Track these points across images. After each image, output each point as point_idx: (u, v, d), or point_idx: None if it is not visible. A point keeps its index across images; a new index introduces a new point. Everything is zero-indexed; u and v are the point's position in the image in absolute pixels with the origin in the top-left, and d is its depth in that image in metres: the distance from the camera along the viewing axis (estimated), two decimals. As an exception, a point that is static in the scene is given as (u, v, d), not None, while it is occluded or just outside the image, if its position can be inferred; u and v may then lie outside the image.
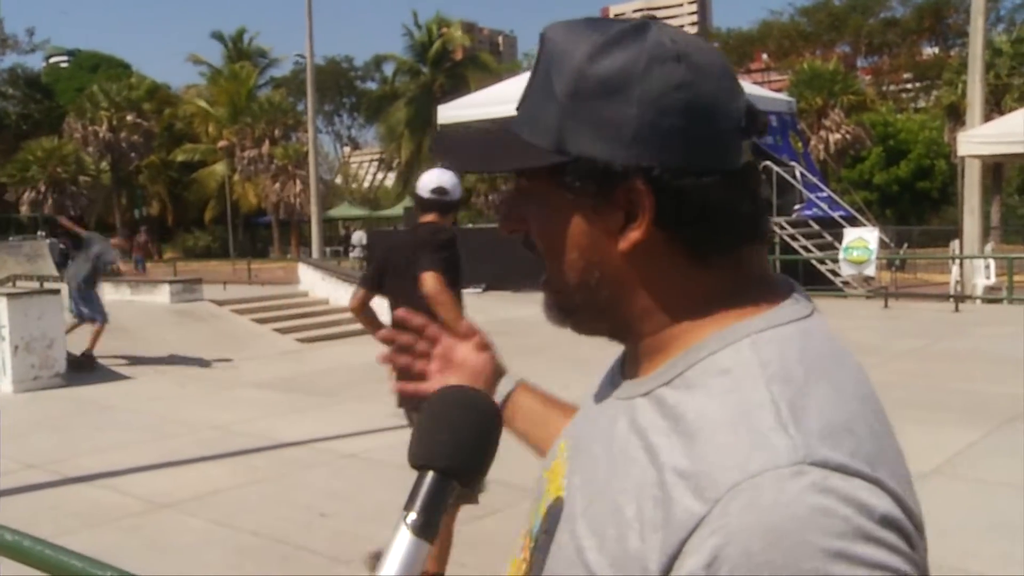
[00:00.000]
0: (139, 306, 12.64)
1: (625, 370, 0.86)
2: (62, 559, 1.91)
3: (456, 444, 0.80)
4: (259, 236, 51.83)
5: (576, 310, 0.82)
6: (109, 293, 13.95)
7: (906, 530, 0.64)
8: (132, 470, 5.90)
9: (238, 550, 4.46)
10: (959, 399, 7.06)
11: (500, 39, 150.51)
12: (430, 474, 0.79)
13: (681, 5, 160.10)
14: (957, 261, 16.67)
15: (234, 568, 4.23)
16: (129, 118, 41.94)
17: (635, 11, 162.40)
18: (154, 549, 4.51)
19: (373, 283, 3.94)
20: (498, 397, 1.19)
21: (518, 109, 0.79)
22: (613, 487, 0.73)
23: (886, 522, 0.63)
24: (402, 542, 0.76)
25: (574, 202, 0.77)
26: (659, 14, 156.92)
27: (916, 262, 22.07)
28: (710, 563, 0.62)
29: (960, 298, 14.82)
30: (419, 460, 0.80)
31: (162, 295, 12.78)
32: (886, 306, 14.17)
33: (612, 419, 0.81)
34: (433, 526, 0.77)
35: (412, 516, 0.77)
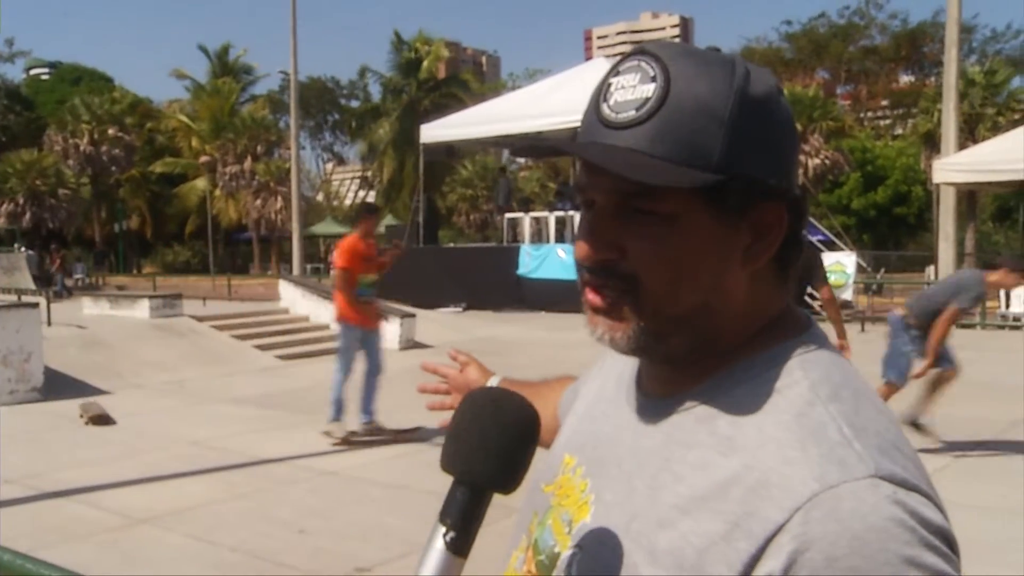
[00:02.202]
0: (118, 321, 12.57)
1: (646, 385, 0.88)
2: (42, 572, 1.93)
3: (490, 456, 0.77)
4: (239, 252, 51.59)
5: (669, 335, 0.80)
6: (88, 307, 13.91)
7: (952, 540, 0.70)
8: (109, 485, 5.87)
9: (216, 566, 4.46)
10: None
11: (484, 59, 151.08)
12: (464, 487, 0.77)
13: (664, 29, 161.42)
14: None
15: (212, 584, 4.23)
16: (111, 132, 41.72)
17: (618, 33, 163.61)
18: (131, 564, 4.50)
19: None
20: None
21: (626, 127, 0.77)
22: (661, 502, 0.76)
23: (940, 534, 0.69)
24: (436, 555, 0.76)
25: (713, 223, 0.78)
26: (641, 37, 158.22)
27: (893, 287, 22.30)
28: (788, 567, 0.67)
29: (935, 323, 14.97)
30: (454, 471, 0.78)
31: (142, 310, 12.72)
32: (863, 330, 14.29)
33: (640, 435, 0.83)
34: (468, 542, 0.77)
35: (451, 535, 0.76)
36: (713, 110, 0.76)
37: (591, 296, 0.82)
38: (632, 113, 0.77)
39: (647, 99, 0.77)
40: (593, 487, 0.84)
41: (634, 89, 0.78)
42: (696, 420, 0.79)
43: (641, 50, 0.80)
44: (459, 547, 0.76)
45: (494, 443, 0.77)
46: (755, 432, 0.74)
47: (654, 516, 0.75)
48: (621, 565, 0.76)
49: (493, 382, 1.37)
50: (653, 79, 0.77)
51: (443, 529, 0.76)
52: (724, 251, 0.79)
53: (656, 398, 0.85)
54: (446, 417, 1.47)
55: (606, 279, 0.80)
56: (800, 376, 0.77)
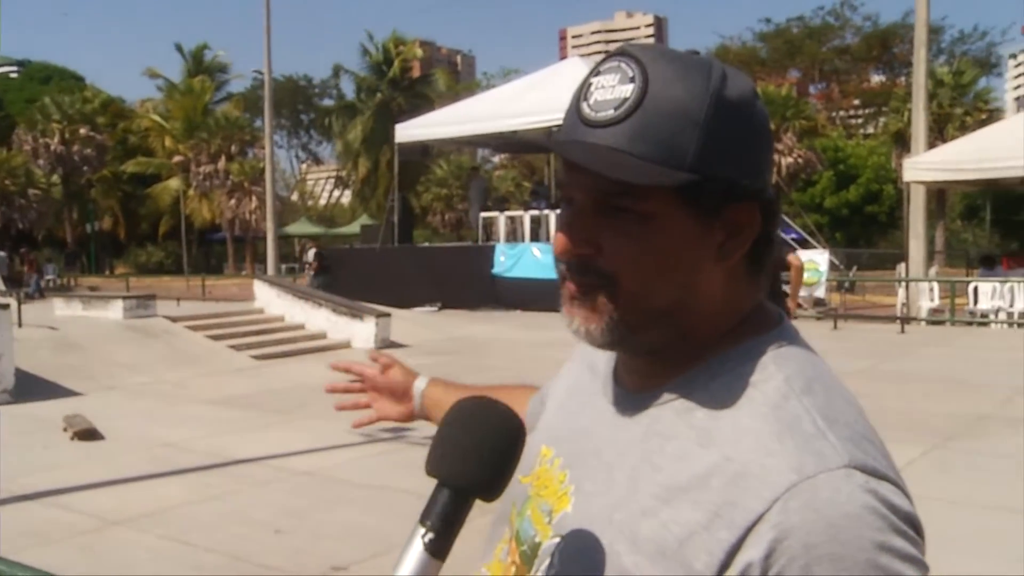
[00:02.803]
0: (91, 322, 12.46)
1: (622, 379, 0.90)
2: (17, 574, 1.93)
3: (478, 462, 0.78)
4: (213, 252, 51.25)
5: (643, 328, 0.82)
6: (59, 308, 13.77)
7: (919, 525, 0.74)
8: (83, 487, 5.83)
9: (192, 567, 4.44)
10: (902, 418, 7.26)
11: (458, 58, 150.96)
12: (447, 491, 0.78)
13: (638, 28, 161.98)
14: (903, 284, 17.07)
15: (188, 585, 4.22)
16: (82, 131, 41.33)
17: (593, 32, 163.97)
18: (106, 567, 4.47)
19: None
20: (415, 397, 1.36)
21: (604, 126, 0.79)
22: (641, 492, 0.78)
23: (908, 520, 0.73)
24: (414, 556, 0.76)
25: (688, 222, 0.79)
26: (616, 36, 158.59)
27: (864, 284, 22.54)
28: (768, 555, 0.70)
29: (906, 320, 15.19)
30: (438, 475, 0.79)
31: (115, 311, 12.60)
32: (835, 327, 14.43)
33: (618, 427, 0.85)
34: (447, 546, 0.77)
35: (430, 536, 0.76)
36: (689, 112, 0.78)
37: (570, 287, 0.83)
38: (611, 112, 0.79)
39: (625, 99, 0.78)
40: (573, 478, 0.86)
41: (613, 89, 0.79)
42: (674, 412, 0.81)
43: (621, 51, 0.82)
44: (437, 550, 0.76)
45: (481, 449, 0.78)
46: (733, 424, 0.77)
47: (636, 506, 0.78)
48: (603, 553, 0.78)
49: (420, 384, 1.37)
50: (632, 80, 0.79)
51: (422, 530, 0.77)
52: (698, 249, 0.81)
53: (634, 391, 0.87)
54: (361, 417, 1.40)
55: (583, 275, 0.82)
56: (774, 370, 0.80)
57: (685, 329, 0.83)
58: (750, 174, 0.81)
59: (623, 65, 0.80)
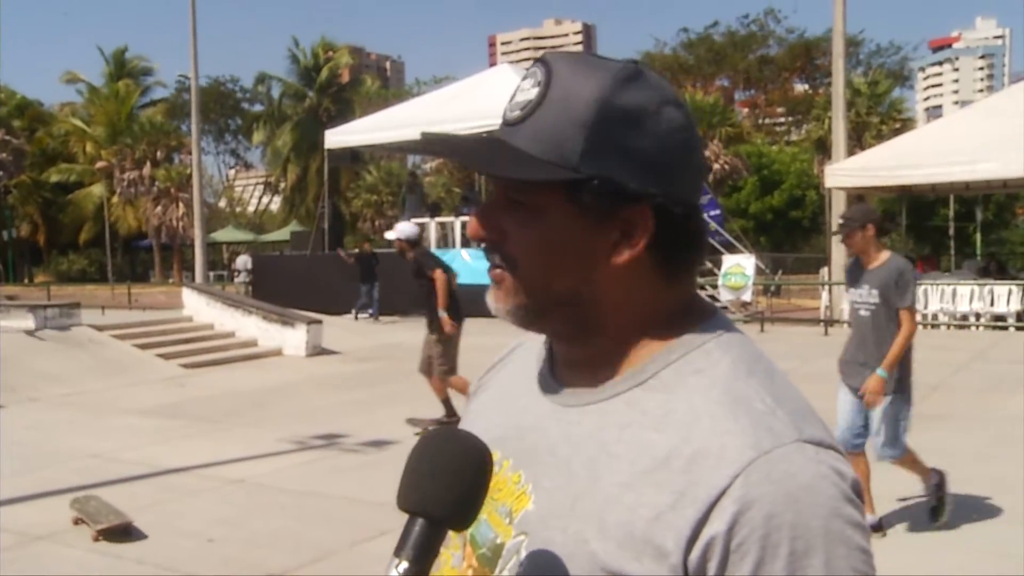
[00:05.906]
0: (10, 332, 12.08)
1: (562, 377, 0.94)
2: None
3: (450, 492, 0.78)
4: (139, 260, 50.06)
5: (548, 313, 0.88)
6: (-23, 319, 13.31)
7: (859, 488, 0.80)
8: (4, 502, 5.69)
9: (122, 578, 4.39)
10: (826, 417, 7.35)
11: (388, 64, 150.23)
12: (421, 521, 0.77)
13: (567, 35, 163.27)
14: (826, 287, 17.53)
15: (118, 596, 4.16)
16: (-3, 135, 40.01)
17: (522, 39, 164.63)
18: (32, 581, 4.40)
19: None
20: None
21: (513, 125, 0.86)
22: (603, 481, 0.82)
23: (854, 486, 0.79)
24: None
25: (577, 217, 0.84)
26: (546, 43, 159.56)
27: (790, 288, 23.08)
28: (731, 527, 0.75)
29: (829, 322, 15.60)
30: (411, 506, 0.79)
31: (37, 320, 12.21)
32: (762, 330, 14.76)
33: (569, 422, 0.89)
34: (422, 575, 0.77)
35: (404, 566, 0.76)
36: (577, 114, 0.83)
37: (490, 273, 0.90)
38: (518, 113, 0.86)
39: (529, 101, 0.85)
40: (529, 477, 0.88)
41: (527, 91, 0.86)
42: (626, 403, 0.85)
43: (541, 57, 0.88)
44: None
45: (452, 478, 0.78)
46: (687, 409, 0.82)
47: (599, 494, 0.81)
48: (571, 543, 0.81)
49: None
50: (538, 83, 0.85)
51: (396, 561, 0.76)
52: (589, 245, 0.85)
53: (579, 387, 0.91)
54: None
55: (493, 258, 0.89)
56: (719, 356, 0.85)
57: (589, 320, 0.88)
58: (639, 178, 0.84)
59: (536, 70, 0.87)
